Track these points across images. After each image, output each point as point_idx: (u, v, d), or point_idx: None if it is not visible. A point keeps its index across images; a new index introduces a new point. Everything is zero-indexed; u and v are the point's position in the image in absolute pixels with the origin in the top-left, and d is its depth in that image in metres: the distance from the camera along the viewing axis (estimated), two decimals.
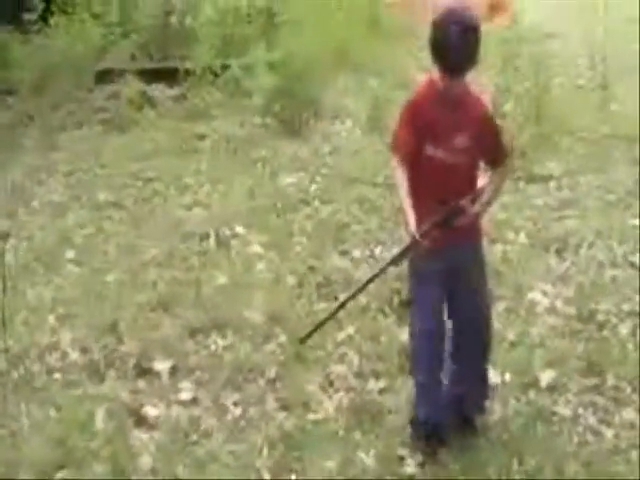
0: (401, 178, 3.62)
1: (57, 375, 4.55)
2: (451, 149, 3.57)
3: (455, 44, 3.40)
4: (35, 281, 5.61)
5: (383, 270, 3.76)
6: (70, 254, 6.02)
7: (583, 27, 12.09)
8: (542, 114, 7.52)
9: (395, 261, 3.68)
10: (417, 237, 3.51)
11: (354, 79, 9.87)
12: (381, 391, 4.28)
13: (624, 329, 4.72)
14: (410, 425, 3.87)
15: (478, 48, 3.45)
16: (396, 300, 4.97)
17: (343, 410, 4.13)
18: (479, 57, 3.47)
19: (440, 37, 3.45)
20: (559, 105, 7.88)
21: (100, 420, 4.13)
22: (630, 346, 4.54)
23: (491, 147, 3.67)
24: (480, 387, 3.91)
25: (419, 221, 3.55)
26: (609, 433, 3.92)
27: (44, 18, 10.11)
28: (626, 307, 4.92)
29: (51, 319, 5.09)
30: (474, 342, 3.81)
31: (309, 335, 4.02)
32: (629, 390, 4.20)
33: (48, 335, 4.92)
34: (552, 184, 6.79)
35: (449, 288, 3.72)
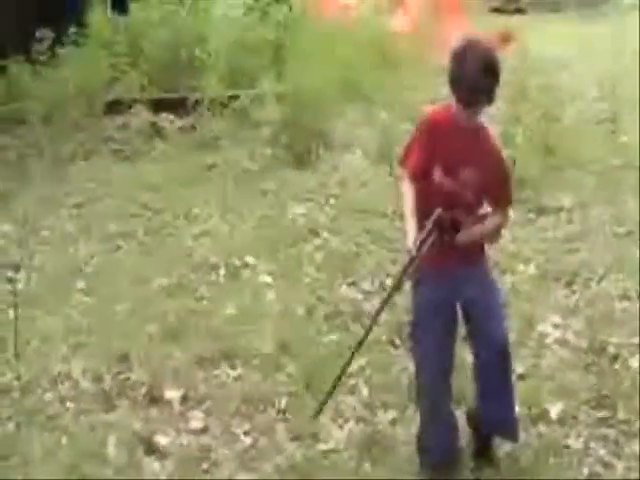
0: (407, 190, 3.69)
1: (69, 404, 4.57)
2: (458, 179, 3.59)
3: (471, 76, 3.43)
4: (46, 310, 5.63)
5: (389, 298, 3.77)
6: (81, 284, 6.05)
7: (593, 59, 12.23)
8: (552, 145, 7.55)
9: (397, 285, 3.71)
10: (412, 249, 3.53)
11: (363, 110, 9.94)
12: (391, 422, 4.29)
13: (634, 362, 4.71)
14: (418, 454, 3.87)
15: (497, 82, 3.48)
16: (406, 332, 4.96)
17: (353, 441, 4.14)
18: (495, 92, 3.49)
19: (456, 67, 3.48)
20: (569, 136, 7.91)
21: (112, 448, 4.15)
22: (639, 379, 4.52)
23: (497, 186, 3.69)
24: (505, 413, 3.86)
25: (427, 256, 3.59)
26: (620, 465, 3.91)
27: (53, 49, 10.20)
28: (636, 340, 4.91)
29: (63, 348, 5.12)
30: (498, 364, 3.75)
31: (321, 408, 4.01)
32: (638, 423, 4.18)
33: (60, 364, 4.94)
34: (562, 216, 6.81)
35: (464, 315, 3.73)
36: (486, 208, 3.75)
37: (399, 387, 4.50)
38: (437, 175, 3.62)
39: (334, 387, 3.95)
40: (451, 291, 3.70)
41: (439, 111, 3.73)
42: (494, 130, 3.74)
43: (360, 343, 3.84)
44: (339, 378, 3.93)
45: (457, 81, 3.49)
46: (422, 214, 3.62)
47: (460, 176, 3.59)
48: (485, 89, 3.47)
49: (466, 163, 3.59)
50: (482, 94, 3.48)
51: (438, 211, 3.54)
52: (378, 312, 3.85)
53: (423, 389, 3.82)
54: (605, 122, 8.72)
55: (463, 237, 3.61)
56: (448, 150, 3.61)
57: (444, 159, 3.61)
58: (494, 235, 3.83)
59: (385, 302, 3.80)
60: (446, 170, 3.60)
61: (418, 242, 3.54)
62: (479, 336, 3.75)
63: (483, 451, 3.91)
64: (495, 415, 3.84)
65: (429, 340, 3.74)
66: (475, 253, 3.76)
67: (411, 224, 3.61)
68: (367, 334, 3.84)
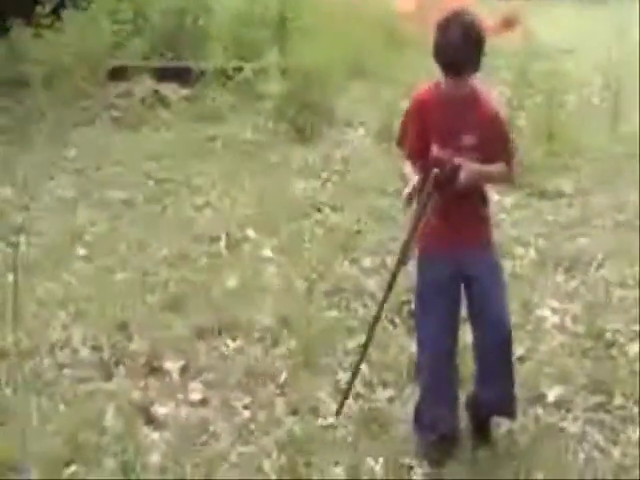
0: (408, 166, 3.71)
1: (67, 371, 4.56)
2: (458, 148, 3.58)
3: (453, 42, 3.43)
4: (46, 276, 5.62)
5: (396, 274, 3.77)
6: (81, 251, 6.05)
7: (595, 45, 12.19)
8: (554, 131, 7.55)
9: (402, 258, 3.71)
10: (406, 195, 3.57)
11: (367, 88, 9.92)
12: (389, 400, 4.29)
13: (632, 349, 4.73)
14: (415, 430, 3.90)
15: (479, 49, 3.48)
16: (406, 311, 4.99)
17: (352, 417, 4.14)
18: (480, 60, 3.49)
19: (440, 36, 3.48)
20: (571, 122, 7.92)
21: (110, 417, 4.14)
22: (637, 366, 4.54)
23: (496, 144, 3.65)
24: (503, 390, 3.88)
25: (431, 234, 3.64)
26: (616, 451, 3.93)
27: (56, 12, 10.14)
28: (634, 327, 4.94)
29: (62, 315, 5.11)
30: (499, 345, 3.79)
31: (342, 406, 4.04)
32: (636, 409, 4.20)
33: (59, 331, 4.93)
34: (563, 201, 6.83)
35: (467, 295, 3.74)
36: None
37: (398, 366, 4.51)
38: (434, 150, 3.62)
39: (354, 376, 4.00)
40: (455, 271, 3.71)
41: (425, 88, 3.71)
42: (488, 87, 3.70)
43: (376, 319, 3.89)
44: (357, 368, 3.99)
45: (440, 50, 3.48)
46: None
47: (458, 145, 3.58)
48: (468, 56, 3.47)
49: (461, 131, 3.58)
50: (466, 62, 3.48)
51: (435, 172, 3.52)
52: (387, 293, 3.84)
53: (425, 367, 3.85)
54: (607, 110, 8.74)
55: (465, 177, 3.54)
56: (440, 124, 3.61)
57: (438, 133, 3.61)
58: (498, 180, 3.84)
59: (392, 282, 3.79)
60: (442, 143, 3.60)
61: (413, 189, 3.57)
62: (481, 317, 3.76)
63: (481, 432, 3.93)
64: (494, 394, 3.86)
65: (432, 320, 3.75)
66: (480, 233, 3.76)
67: (412, 177, 3.63)
68: (382, 307, 3.88)
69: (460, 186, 3.54)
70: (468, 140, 3.58)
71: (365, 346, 3.96)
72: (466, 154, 3.58)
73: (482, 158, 3.62)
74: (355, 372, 4.02)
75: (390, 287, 3.82)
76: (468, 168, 3.54)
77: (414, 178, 3.61)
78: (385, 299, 3.86)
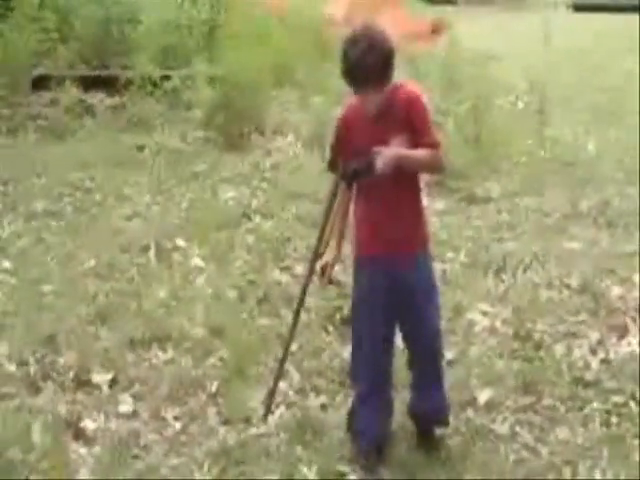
0: (339, 192, 3.66)
1: None
2: None
3: (354, 63, 3.40)
4: None
5: (312, 265, 3.77)
6: (5, 264, 5.92)
7: (520, 52, 12.43)
8: (482, 136, 7.64)
9: (315, 256, 3.73)
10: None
11: (296, 95, 9.93)
12: (322, 407, 4.28)
13: (559, 350, 4.80)
14: (349, 437, 3.90)
15: (385, 64, 3.43)
16: (338, 317, 5.00)
17: (284, 425, 4.12)
18: (389, 72, 3.45)
19: (342, 57, 3.45)
20: (498, 127, 8.02)
21: (37, 433, 4.04)
22: (564, 366, 4.61)
23: (419, 135, 3.55)
24: (437, 400, 3.92)
25: (367, 236, 3.66)
26: (544, 450, 3.98)
27: None
28: (561, 328, 5.01)
29: None
30: (424, 356, 3.83)
31: (268, 408, 4.02)
32: (563, 409, 4.26)
33: None
34: (491, 205, 6.91)
35: (397, 301, 3.73)
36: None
37: (330, 372, 4.51)
38: None
39: (277, 380, 3.96)
40: (391, 274, 3.68)
41: (347, 107, 3.68)
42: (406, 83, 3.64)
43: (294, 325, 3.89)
44: (279, 370, 3.94)
45: (344, 71, 3.44)
46: (366, 208, 3.66)
47: None
48: (372, 74, 3.41)
49: (388, 137, 3.53)
50: (369, 80, 3.42)
51: (344, 164, 3.54)
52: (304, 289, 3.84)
53: (358, 373, 3.84)
54: (532, 115, 8.88)
55: (382, 162, 3.46)
56: (365, 139, 3.55)
57: (364, 149, 3.54)
58: (424, 165, 3.67)
59: (309, 279, 3.80)
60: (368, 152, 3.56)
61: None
62: (411, 323, 3.78)
63: (423, 438, 3.95)
64: (425, 401, 3.90)
65: (367, 324, 3.75)
66: (416, 235, 3.75)
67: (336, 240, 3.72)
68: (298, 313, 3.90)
69: (379, 172, 3.47)
70: (396, 143, 3.53)
71: (286, 348, 3.93)
72: None
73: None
74: (278, 374, 3.95)
75: (304, 291, 3.84)
76: (385, 153, 3.47)
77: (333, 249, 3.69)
78: (300, 303, 3.89)
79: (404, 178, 3.60)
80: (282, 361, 3.93)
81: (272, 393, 3.99)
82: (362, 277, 3.77)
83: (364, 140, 3.55)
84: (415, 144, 3.56)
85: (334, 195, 3.60)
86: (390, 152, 3.49)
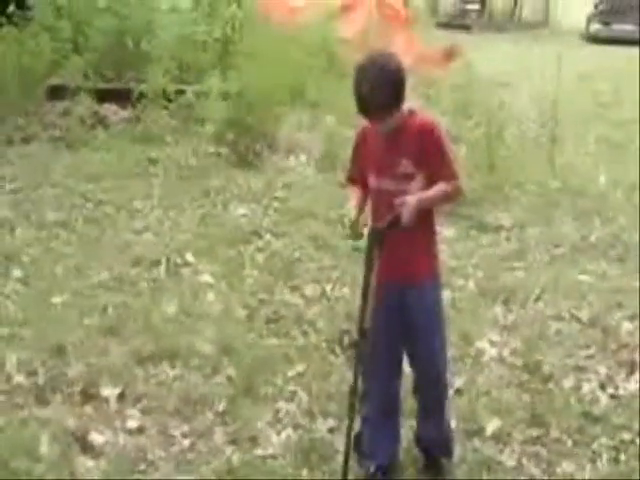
0: (354, 192, 3.75)
1: (1, 397, 4.45)
2: (396, 177, 3.57)
3: (365, 93, 3.41)
4: None
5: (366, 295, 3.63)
6: (17, 273, 5.93)
7: (533, 80, 12.45)
8: (493, 163, 7.65)
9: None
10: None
11: (309, 114, 9.95)
12: (330, 430, 4.28)
13: (567, 382, 4.80)
14: (357, 461, 3.88)
15: (396, 92, 3.44)
16: (346, 340, 4.99)
17: (291, 447, 4.12)
18: (400, 98, 3.46)
19: (354, 86, 3.45)
20: (510, 155, 8.04)
21: (45, 444, 4.05)
22: (573, 400, 4.61)
23: (437, 161, 3.58)
24: (439, 431, 3.93)
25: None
26: None
27: None
28: (570, 361, 5.01)
29: None
30: (427, 384, 3.84)
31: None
32: (571, 443, 4.25)
33: None
34: (502, 234, 6.92)
35: (405, 328, 3.74)
36: None
37: (338, 395, 4.49)
38: (372, 182, 3.64)
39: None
40: (400, 302, 3.70)
41: (365, 124, 3.70)
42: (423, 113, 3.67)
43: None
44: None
45: (355, 100, 3.45)
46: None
47: (397, 172, 3.57)
48: (382, 103, 3.43)
49: (398, 159, 3.57)
50: (379, 109, 3.44)
51: (372, 228, 3.55)
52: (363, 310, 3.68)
53: (367, 398, 3.83)
54: (544, 144, 8.91)
55: (407, 215, 3.48)
56: (378, 156, 3.62)
57: (376, 165, 3.62)
58: (445, 201, 3.77)
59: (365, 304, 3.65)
60: (379, 174, 3.61)
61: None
62: (416, 350, 3.79)
63: (430, 466, 3.95)
64: (428, 431, 3.92)
65: (376, 351, 3.73)
66: (427, 265, 3.75)
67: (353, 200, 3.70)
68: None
69: (406, 223, 3.51)
70: (405, 166, 3.56)
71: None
72: (404, 182, 3.57)
73: (424, 180, 3.59)
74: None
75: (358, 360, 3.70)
76: (409, 203, 3.49)
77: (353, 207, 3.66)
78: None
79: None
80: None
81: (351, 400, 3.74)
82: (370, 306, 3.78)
83: (376, 160, 3.62)
84: (434, 176, 3.58)
85: (371, 261, 3.56)
86: (413, 201, 3.50)
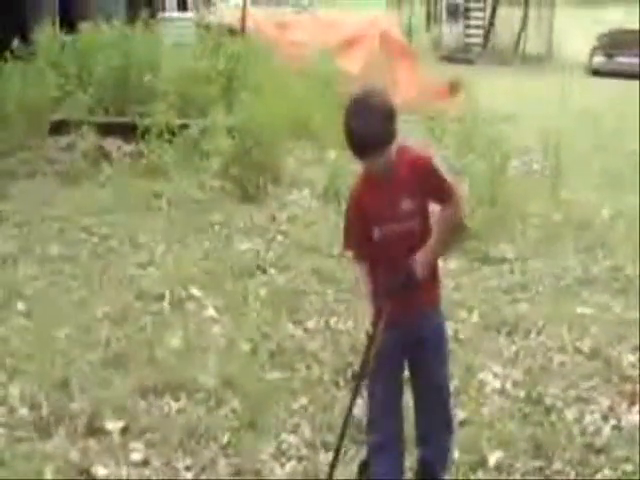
0: (359, 272, 3.69)
1: (3, 430, 4.45)
2: (398, 218, 3.56)
3: (351, 133, 3.36)
4: None
5: (368, 352, 3.62)
6: (20, 306, 5.95)
7: (536, 113, 12.53)
8: (496, 196, 7.69)
9: (372, 342, 3.63)
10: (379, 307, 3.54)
11: (312, 148, 10.01)
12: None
13: (570, 414, 4.79)
14: None
15: (387, 126, 3.37)
16: (350, 372, 5.00)
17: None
18: (392, 131, 3.39)
19: (345, 125, 3.38)
20: (513, 188, 8.08)
21: (48, 478, 4.06)
22: (575, 431, 4.60)
23: (434, 186, 3.54)
24: (440, 457, 3.94)
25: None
26: None
27: None
28: (572, 393, 5.01)
29: None
30: (433, 410, 3.86)
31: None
32: (573, 475, 4.24)
33: None
34: (505, 267, 6.93)
35: (410, 356, 3.77)
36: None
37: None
38: (375, 233, 3.58)
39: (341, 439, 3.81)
40: (403, 335, 3.70)
41: (356, 181, 3.68)
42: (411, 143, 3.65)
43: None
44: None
45: (347, 140, 3.39)
46: (386, 271, 3.60)
47: (399, 213, 3.55)
48: (373, 141, 3.36)
49: (397, 199, 3.54)
50: (369, 147, 3.37)
51: (385, 309, 3.54)
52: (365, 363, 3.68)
53: (372, 429, 3.86)
54: (547, 177, 8.95)
55: (421, 270, 3.52)
56: (375, 203, 3.56)
57: (375, 218, 3.56)
58: (452, 235, 3.73)
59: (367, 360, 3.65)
60: (381, 223, 3.57)
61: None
62: (421, 379, 3.81)
63: None
64: (431, 458, 3.92)
65: (380, 383, 3.76)
66: (430, 297, 3.76)
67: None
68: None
69: (421, 279, 3.53)
70: (406, 205, 3.55)
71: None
72: (408, 219, 3.57)
73: (422, 215, 3.59)
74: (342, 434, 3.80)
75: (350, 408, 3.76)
76: (419, 260, 3.52)
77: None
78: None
79: (420, 241, 3.62)
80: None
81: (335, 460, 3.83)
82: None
83: (375, 209, 3.56)
84: (434, 200, 3.58)
85: (373, 337, 3.57)
86: (422, 257, 3.53)
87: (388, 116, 3.39)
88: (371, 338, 3.57)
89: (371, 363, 3.60)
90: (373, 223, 3.58)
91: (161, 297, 6.11)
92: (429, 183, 3.55)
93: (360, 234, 3.63)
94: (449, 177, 3.59)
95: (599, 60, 23.79)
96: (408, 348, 3.75)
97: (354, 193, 3.67)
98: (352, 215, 3.66)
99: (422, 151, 3.65)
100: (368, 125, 3.34)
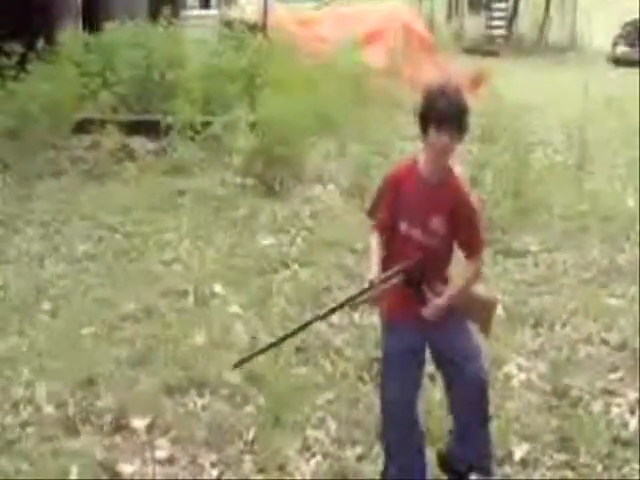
0: (374, 241, 3.73)
1: (31, 429, 4.47)
2: (426, 230, 3.61)
3: (459, 105, 3.48)
4: (9, 331, 5.56)
5: (333, 311, 3.83)
6: (46, 305, 5.99)
7: (560, 104, 12.44)
8: (520, 189, 7.65)
9: (347, 302, 3.73)
10: (375, 281, 3.59)
11: (336, 143, 10.00)
12: (358, 458, 4.27)
13: (596, 406, 4.77)
14: None
15: (467, 121, 3.53)
16: (375, 367, 4.99)
17: (320, 476, 4.12)
18: (466, 131, 3.54)
19: (446, 101, 3.48)
20: (537, 180, 8.03)
21: (74, 476, 4.08)
22: (602, 424, 4.57)
23: (469, 236, 3.67)
24: (483, 449, 3.91)
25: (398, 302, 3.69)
26: None
27: (22, 64, 10.16)
28: (599, 385, 4.98)
29: (25, 371, 5.03)
30: (472, 407, 3.83)
31: (243, 361, 3.98)
32: (600, 468, 4.22)
33: (22, 387, 4.85)
34: (529, 259, 6.90)
35: (440, 358, 3.77)
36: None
37: (367, 423, 4.49)
38: (403, 228, 3.65)
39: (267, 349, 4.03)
40: (421, 335, 3.73)
41: (403, 166, 3.73)
42: (462, 173, 3.72)
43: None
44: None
45: (443, 111, 3.47)
46: (391, 264, 3.65)
47: (428, 226, 3.61)
48: (467, 117, 3.51)
49: (432, 213, 3.61)
50: (467, 122, 3.52)
51: (409, 261, 3.58)
52: (321, 318, 3.85)
53: (388, 429, 3.87)
54: (571, 168, 8.89)
55: (433, 312, 3.63)
56: (413, 204, 3.63)
57: (410, 212, 3.63)
58: (470, 287, 3.79)
59: (324, 317, 3.85)
60: (411, 222, 3.63)
61: (382, 277, 3.59)
62: (458, 377, 3.78)
63: None
64: (473, 451, 3.89)
65: (395, 384, 3.78)
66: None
67: (374, 261, 3.67)
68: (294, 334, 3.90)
69: (428, 317, 3.63)
70: (437, 223, 3.61)
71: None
72: (433, 238, 3.62)
73: (448, 242, 3.66)
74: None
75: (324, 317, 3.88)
76: (437, 304, 3.62)
77: (374, 267, 3.65)
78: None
79: (437, 260, 3.68)
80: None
81: (261, 351, 4.05)
82: (391, 338, 3.81)
83: (410, 208, 3.63)
84: (460, 244, 3.66)
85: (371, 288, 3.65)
86: (440, 302, 3.63)
87: (467, 115, 3.53)
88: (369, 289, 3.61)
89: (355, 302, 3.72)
90: (402, 218, 3.64)
91: (185, 294, 6.13)
92: (464, 226, 3.64)
93: (385, 215, 3.70)
94: (482, 233, 3.71)
95: (622, 50, 23.59)
96: (423, 348, 3.76)
97: (399, 170, 3.73)
98: (386, 188, 3.74)
99: (468, 189, 3.70)
100: (465, 105, 3.49)
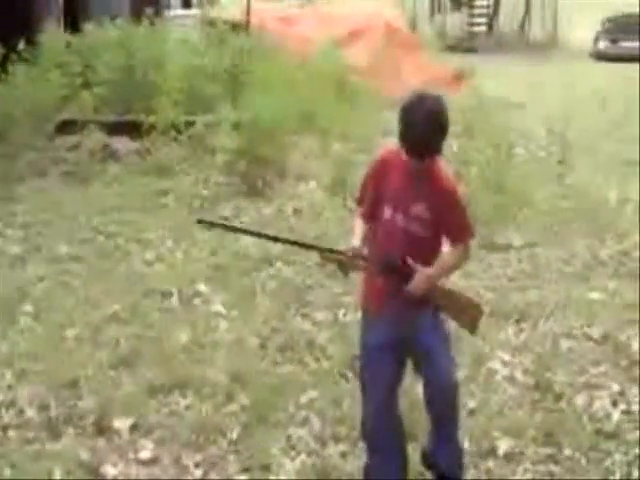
0: (359, 220, 3.78)
1: (12, 432, 4.46)
2: (408, 216, 3.61)
3: (418, 130, 3.43)
4: None
5: (290, 242, 4.13)
6: (28, 307, 5.95)
7: (542, 101, 12.49)
8: (503, 183, 7.66)
9: (325, 252, 3.77)
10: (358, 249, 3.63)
11: (318, 141, 10.00)
12: (342, 455, 4.27)
13: (579, 400, 4.78)
14: None
15: (443, 135, 3.48)
16: (358, 365, 4.98)
17: (304, 473, 4.12)
18: (442, 143, 3.49)
19: (405, 121, 3.46)
20: (519, 176, 8.05)
21: (58, 478, 4.07)
22: (585, 417, 4.59)
23: (453, 222, 3.66)
24: (447, 455, 3.92)
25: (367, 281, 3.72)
26: None
27: (3, 65, 10.12)
28: (582, 379, 5.00)
29: (7, 374, 5.01)
30: (441, 406, 3.84)
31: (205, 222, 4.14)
32: (584, 461, 4.24)
33: (4, 391, 4.84)
34: (512, 254, 6.92)
35: (412, 353, 3.76)
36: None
37: (350, 420, 4.49)
38: (387, 213, 3.65)
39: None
40: (399, 331, 3.72)
41: (392, 151, 3.71)
42: (446, 164, 3.73)
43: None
44: None
45: (405, 135, 3.47)
46: (375, 249, 3.67)
47: (410, 212, 3.60)
48: (432, 143, 3.47)
49: (415, 200, 3.60)
50: (429, 148, 3.48)
51: (387, 255, 3.60)
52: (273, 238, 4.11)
53: (368, 427, 3.87)
54: (553, 163, 8.91)
55: (416, 286, 3.60)
56: (397, 189, 3.63)
57: (394, 198, 3.63)
58: (455, 269, 3.82)
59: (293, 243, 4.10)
60: (395, 208, 3.62)
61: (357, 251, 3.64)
62: (426, 375, 3.79)
63: None
64: (441, 453, 3.91)
65: (374, 381, 3.80)
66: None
67: (357, 232, 3.72)
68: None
69: (411, 291, 3.60)
70: (418, 209, 3.60)
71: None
72: (416, 224, 3.61)
73: (433, 230, 3.64)
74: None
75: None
76: (421, 275, 3.58)
77: (358, 237, 3.69)
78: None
79: (421, 247, 3.65)
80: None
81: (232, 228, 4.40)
82: (369, 334, 3.82)
83: (394, 193, 3.63)
84: (446, 232, 3.66)
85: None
86: (426, 276, 3.60)
87: (446, 129, 3.48)
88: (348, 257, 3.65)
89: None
90: (386, 202, 3.64)
91: (169, 294, 6.12)
92: (450, 214, 3.63)
93: (373, 200, 3.70)
94: (469, 220, 3.70)
95: (604, 45, 23.68)
96: (401, 345, 3.74)
97: (384, 159, 3.73)
98: (372, 178, 3.74)
99: (453, 177, 3.71)
100: (430, 130, 3.43)
